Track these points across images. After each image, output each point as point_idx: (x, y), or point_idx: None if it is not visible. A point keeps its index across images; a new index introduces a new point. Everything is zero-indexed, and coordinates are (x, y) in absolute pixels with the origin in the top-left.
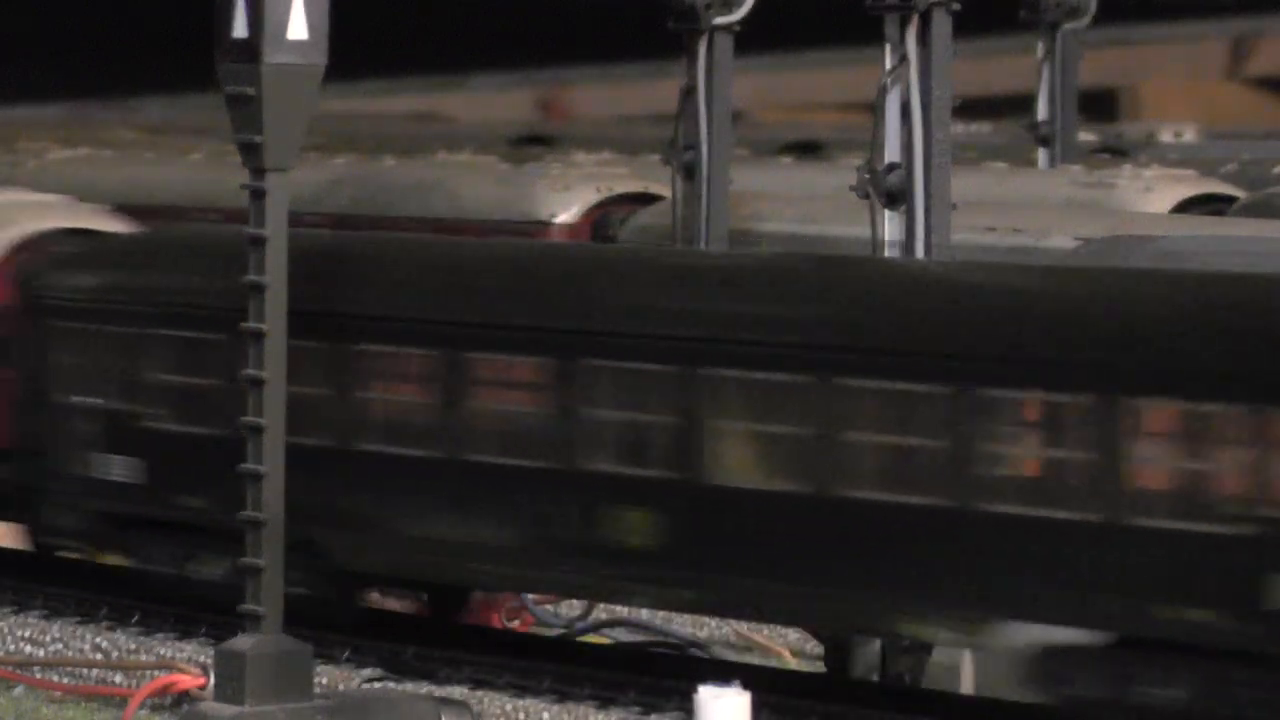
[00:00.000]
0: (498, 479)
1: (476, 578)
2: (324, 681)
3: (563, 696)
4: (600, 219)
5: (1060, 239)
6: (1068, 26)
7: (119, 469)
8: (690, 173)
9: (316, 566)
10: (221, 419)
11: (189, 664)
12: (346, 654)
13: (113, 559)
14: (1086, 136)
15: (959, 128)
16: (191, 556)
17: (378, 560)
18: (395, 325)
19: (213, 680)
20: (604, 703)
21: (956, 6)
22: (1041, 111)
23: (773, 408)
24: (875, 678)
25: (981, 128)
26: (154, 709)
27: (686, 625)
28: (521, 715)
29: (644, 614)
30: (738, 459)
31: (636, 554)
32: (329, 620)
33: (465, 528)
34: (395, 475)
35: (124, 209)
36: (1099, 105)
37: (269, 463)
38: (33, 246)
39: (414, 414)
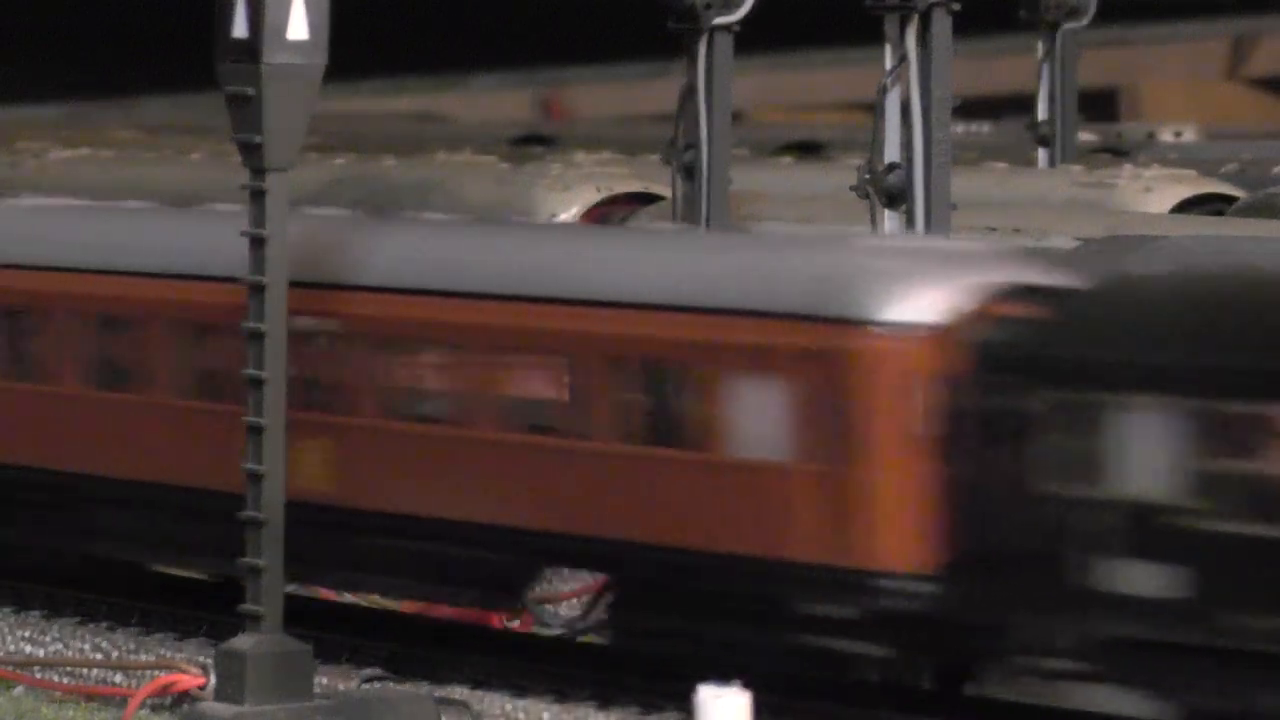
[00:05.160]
0: None
1: None
2: (324, 681)
3: (563, 696)
4: (600, 219)
5: (1060, 239)
6: (1068, 26)
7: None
8: (690, 173)
9: None
10: None
11: (189, 664)
12: (346, 654)
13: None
14: (1086, 136)
15: (959, 128)
16: (1251, 690)
17: None
18: None
19: (213, 680)
20: (604, 703)
21: (956, 6)
22: (1041, 111)
23: None
24: (875, 678)
25: (981, 128)
26: (154, 709)
27: None
28: (521, 715)
29: None
30: None
31: None
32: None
33: None
34: None
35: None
36: (1099, 105)
37: (269, 463)
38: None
39: None
